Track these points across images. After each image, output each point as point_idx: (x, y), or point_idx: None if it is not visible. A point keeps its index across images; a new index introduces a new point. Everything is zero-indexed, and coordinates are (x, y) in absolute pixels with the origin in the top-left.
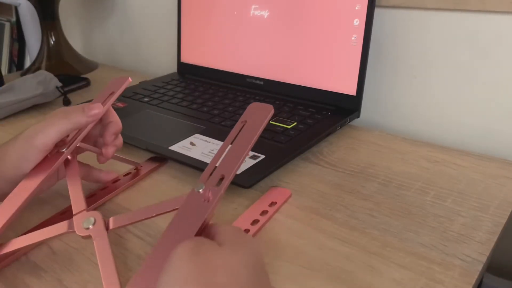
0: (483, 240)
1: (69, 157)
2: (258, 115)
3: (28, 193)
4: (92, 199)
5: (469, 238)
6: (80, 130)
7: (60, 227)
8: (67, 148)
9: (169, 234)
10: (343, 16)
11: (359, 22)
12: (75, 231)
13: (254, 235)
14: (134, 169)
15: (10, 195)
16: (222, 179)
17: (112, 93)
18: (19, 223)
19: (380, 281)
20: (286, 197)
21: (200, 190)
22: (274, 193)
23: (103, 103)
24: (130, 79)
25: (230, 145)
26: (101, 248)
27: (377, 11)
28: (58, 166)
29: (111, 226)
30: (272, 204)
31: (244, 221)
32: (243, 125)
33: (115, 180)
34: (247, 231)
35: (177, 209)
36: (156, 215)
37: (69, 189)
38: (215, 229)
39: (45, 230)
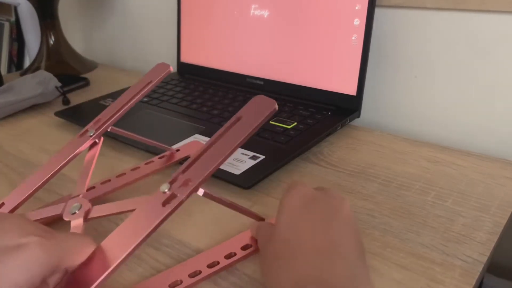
0: (483, 240)
1: (97, 140)
2: (256, 112)
3: (51, 173)
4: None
5: (469, 239)
6: (112, 113)
7: (54, 209)
8: (95, 133)
9: (116, 234)
10: (343, 16)
11: (359, 22)
12: (62, 215)
13: None
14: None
15: (33, 175)
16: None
17: (150, 82)
18: None
19: (380, 281)
20: None
21: (166, 190)
22: None
23: (140, 91)
24: (171, 68)
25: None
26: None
27: (377, 11)
28: (82, 150)
29: (91, 215)
30: None
31: None
32: (237, 121)
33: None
34: None
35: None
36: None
37: (82, 170)
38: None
39: (40, 211)
